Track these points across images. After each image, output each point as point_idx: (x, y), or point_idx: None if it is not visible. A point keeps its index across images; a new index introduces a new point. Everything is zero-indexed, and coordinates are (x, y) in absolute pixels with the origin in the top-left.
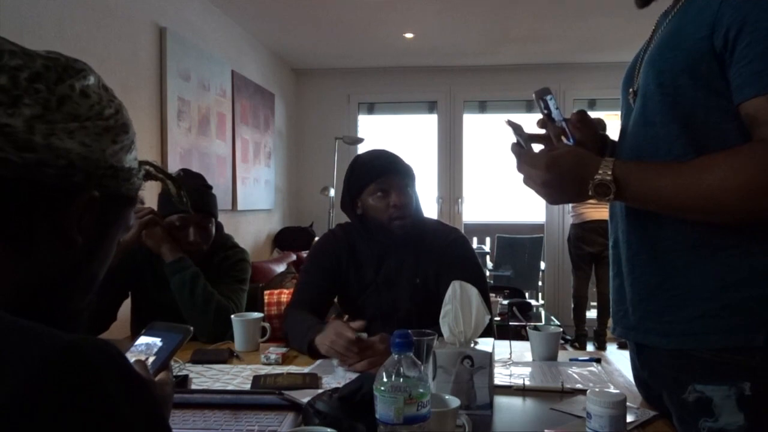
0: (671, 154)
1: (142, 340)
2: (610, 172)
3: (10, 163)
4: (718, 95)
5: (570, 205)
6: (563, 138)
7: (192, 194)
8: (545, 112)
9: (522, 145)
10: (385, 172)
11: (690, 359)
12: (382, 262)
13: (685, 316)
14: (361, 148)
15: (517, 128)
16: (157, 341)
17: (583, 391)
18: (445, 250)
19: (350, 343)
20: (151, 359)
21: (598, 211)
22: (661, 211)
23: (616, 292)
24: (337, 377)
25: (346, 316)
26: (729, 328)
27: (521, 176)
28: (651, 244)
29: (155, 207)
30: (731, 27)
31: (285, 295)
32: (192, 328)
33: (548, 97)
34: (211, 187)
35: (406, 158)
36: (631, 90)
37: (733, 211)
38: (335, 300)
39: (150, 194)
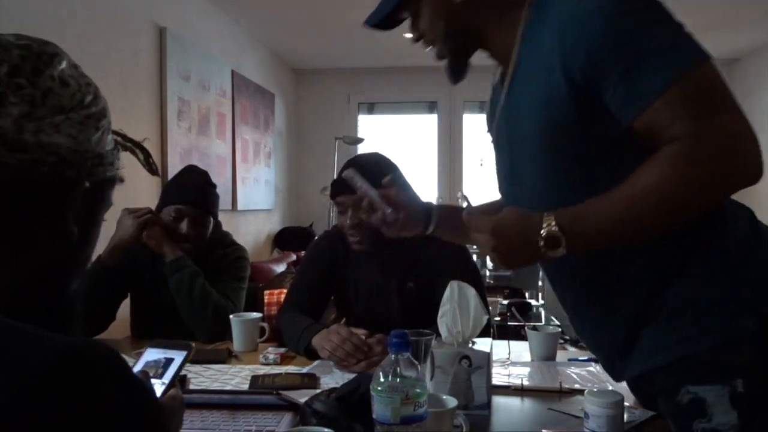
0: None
1: (147, 356)
2: (554, 223)
3: (5, 166)
4: (600, 128)
5: None
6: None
7: (192, 190)
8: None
9: (471, 213)
10: (337, 190)
11: (684, 363)
12: (375, 265)
13: (672, 328)
14: (361, 148)
15: (466, 198)
16: (161, 358)
17: (581, 392)
18: (441, 252)
19: (355, 348)
20: (159, 381)
21: None
22: (615, 243)
23: (590, 340)
24: (335, 377)
25: (344, 319)
26: (716, 325)
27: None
28: (596, 284)
29: (152, 203)
30: (581, 66)
31: (285, 295)
32: (194, 344)
33: (355, 176)
34: (213, 186)
35: (402, 160)
36: (497, 139)
37: (681, 207)
38: (332, 300)
39: (149, 189)
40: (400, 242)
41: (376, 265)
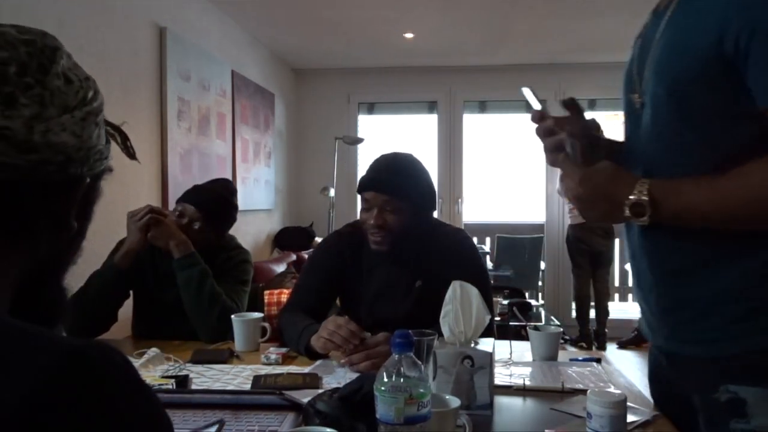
0: (690, 162)
1: None
2: (646, 192)
3: (14, 167)
4: (731, 100)
5: (568, 205)
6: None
7: (205, 195)
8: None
9: (570, 155)
10: (368, 186)
11: (725, 362)
12: (386, 265)
13: (716, 323)
14: (361, 148)
15: (571, 141)
16: None
17: (583, 391)
18: (449, 251)
19: (351, 334)
20: None
21: None
22: (698, 225)
23: (644, 303)
24: (337, 377)
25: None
26: (760, 329)
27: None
28: (674, 256)
29: (152, 203)
30: (741, 32)
31: (285, 295)
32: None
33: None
34: (228, 202)
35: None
36: (635, 96)
37: None
38: (337, 302)
39: (149, 189)
40: (414, 243)
41: (387, 264)
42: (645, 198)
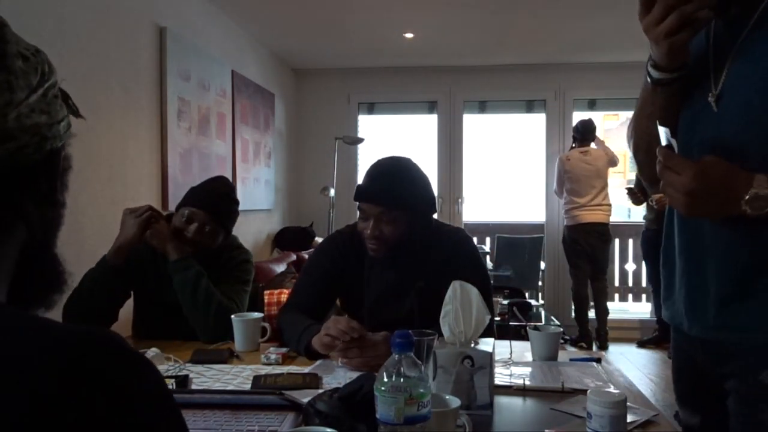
0: None
1: None
2: (766, 186)
3: None
4: None
5: (565, 206)
6: None
7: (211, 197)
8: None
9: (672, 148)
10: (364, 197)
11: None
12: (387, 266)
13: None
14: (361, 148)
15: (668, 131)
16: None
17: (583, 391)
18: (451, 251)
19: (350, 328)
20: None
21: (592, 214)
22: None
23: (695, 290)
24: (337, 377)
25: (346, 315)
26: None
27: (661, 182)
28: (743, 249)
29: (153, 203)
30: None
31: (285, 295)
32: None
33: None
34: (235, 201)
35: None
36: (711, 94)
37: None
38: (337, 302)
39: (150, 189)
40: (413, 246)
41: (388, 265)
42: (766, 192)
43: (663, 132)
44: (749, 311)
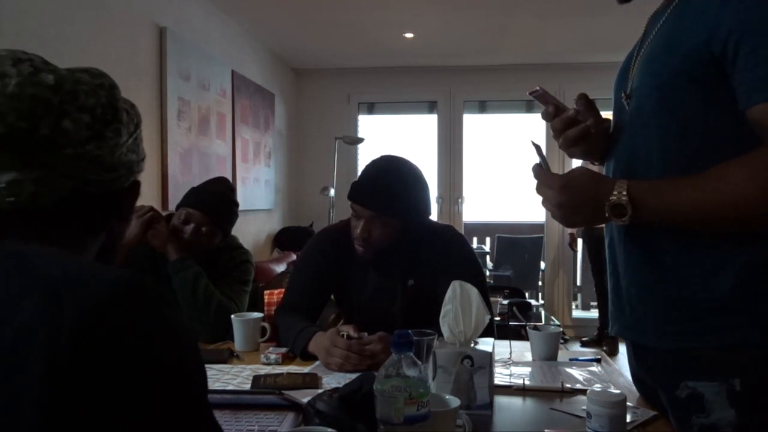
0: (665, 156)
1: None
2: (625, 193)
3: (101, 183)
4: (715, 100)
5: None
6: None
7: (209, 198)
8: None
9: (542, 166)
10: (356, 199)
11: (684, 357)
12: (378, 265)
13: (681, 317)
14: (361, 148)
15: (539, 149)
16: None
17: (583, 391)
18: (441, 250)
19: (360, 359)
20: None
21: None
22: (679, 225)
23: (613, 292)
24: (337, 377)
25: (342, 321)
26: (723, 327)
27: (540, 197)
28: (645, 245)
29: (153, 203)
30: (732, 33)
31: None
32: None
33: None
34: (235, 203)
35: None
36: (624, 92)
37: (753, 217)
38: (332, 298)
39: (150, 189)
40: (402, 247)
41: (378, 263)
42: (624, 198)
43: (536, 149)
44: (651, 312)
